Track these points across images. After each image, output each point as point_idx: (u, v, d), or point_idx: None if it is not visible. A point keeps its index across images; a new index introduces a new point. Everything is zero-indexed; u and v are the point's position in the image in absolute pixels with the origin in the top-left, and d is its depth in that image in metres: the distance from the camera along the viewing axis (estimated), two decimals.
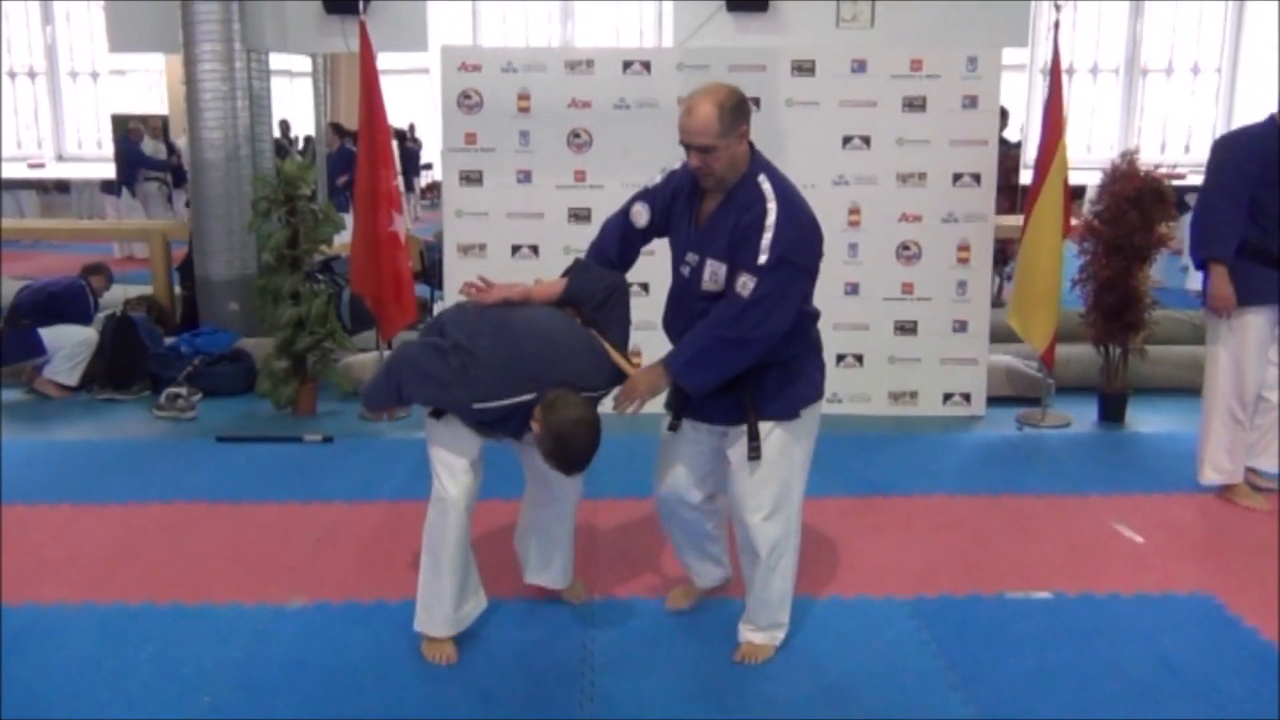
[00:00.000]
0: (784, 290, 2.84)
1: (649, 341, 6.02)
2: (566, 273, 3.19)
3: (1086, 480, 4.86)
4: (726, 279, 2.89)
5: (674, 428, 3.13)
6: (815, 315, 3.11)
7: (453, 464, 3.11)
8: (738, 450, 3.02)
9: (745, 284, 2.83)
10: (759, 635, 3.22)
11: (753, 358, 2.89)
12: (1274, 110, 4.31)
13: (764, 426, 2.99)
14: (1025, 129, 8.95)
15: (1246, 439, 4.49)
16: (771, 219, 2.82)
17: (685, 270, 3.01)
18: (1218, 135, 7.75)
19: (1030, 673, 3.16)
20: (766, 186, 2.88)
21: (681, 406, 3.09)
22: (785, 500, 3.07)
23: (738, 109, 2.84)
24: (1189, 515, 4.44)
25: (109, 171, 9.69)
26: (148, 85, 12.41)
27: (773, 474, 3.03)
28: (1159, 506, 4.53)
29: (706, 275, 2.93)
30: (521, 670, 3.17)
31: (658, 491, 3.29)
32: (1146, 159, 6.00)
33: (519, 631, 3.40)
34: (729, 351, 2.88)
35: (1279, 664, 3.18)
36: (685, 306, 3.04)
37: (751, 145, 2.96)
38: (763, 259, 2.80)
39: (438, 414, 3.13)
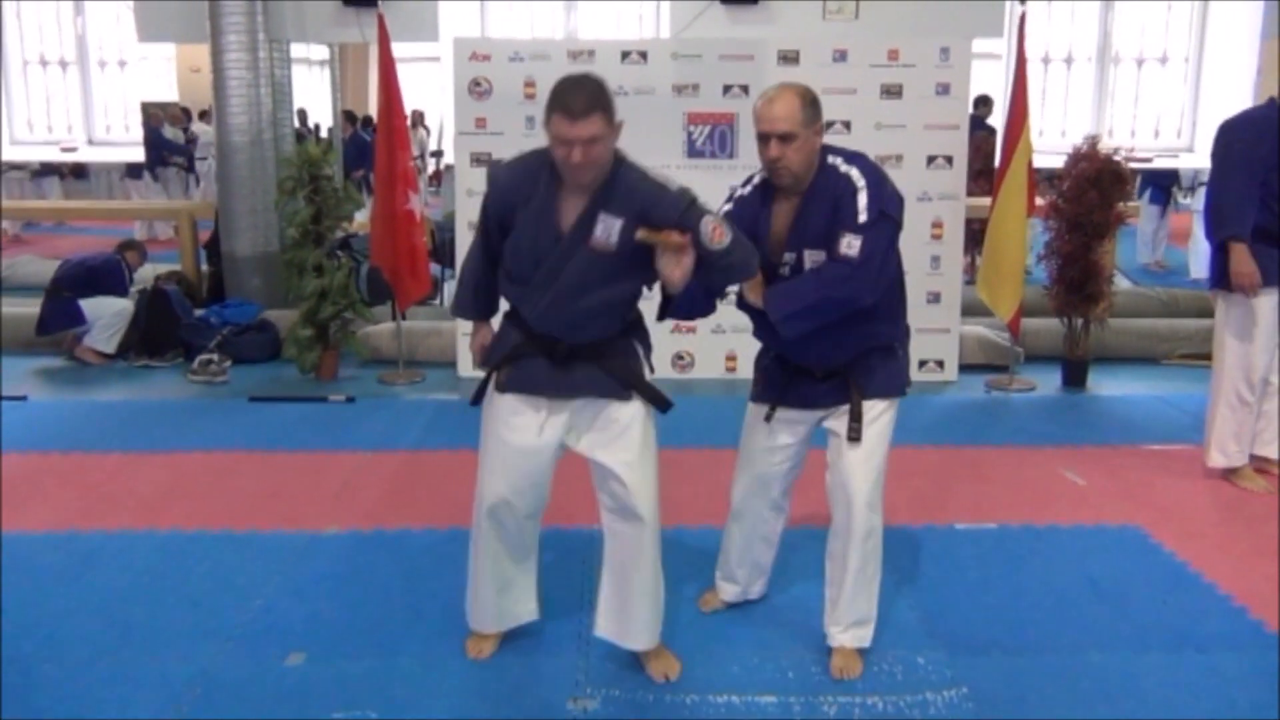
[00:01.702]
0: (886, 244, 2.85)
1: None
2: None
3: (1042, 435, 5.34)
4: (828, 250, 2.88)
5: (769, 418, 3.09)
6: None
7: (490, 459, 2.98)
8: (845, 428, 2.99)
9: (850, 244, 2.79)
10: (849, 636, 3.11)
11: (850, 311, 2.87)
12: (1247, 96, 4.53)
13: (868, 406, 2.99)
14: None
15: (1254, 424, 4.53)
16: (861, 183, 2.82)
17: (785, 270, 2.93)
18: (1185, 121, 8.27)
19: (970, 585, 3.65)
20: (841, 164, 2.88)
21: (779, 397, 3.07)
22: (881, 482, 3.08)
23: (815, 104, 2.85)
24: (1131, 463, 4.91)
25: (136, 155, 10.18)
26: (156, 73, 12.89)
27: (878, 453, 3.03)
28: (1104, 456, 5.00)
29: (808, 266, 2.90)
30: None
31: (740, 483, 3.24)
32: (1118, 144, 6.46)
33: None
34: (835, 309, 2.84)
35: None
36: None
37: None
38: (863, 218, 2.80)
39: (478, 399, 3.02)
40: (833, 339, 2.94)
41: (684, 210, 2.72)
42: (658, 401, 2.93)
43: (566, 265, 2.77)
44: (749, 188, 3.04)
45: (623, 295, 2.86)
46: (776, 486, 3.22)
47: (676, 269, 2.67)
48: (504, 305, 3.07)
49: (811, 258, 2.88)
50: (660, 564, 3.02)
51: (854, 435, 2.97)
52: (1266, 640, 3.26)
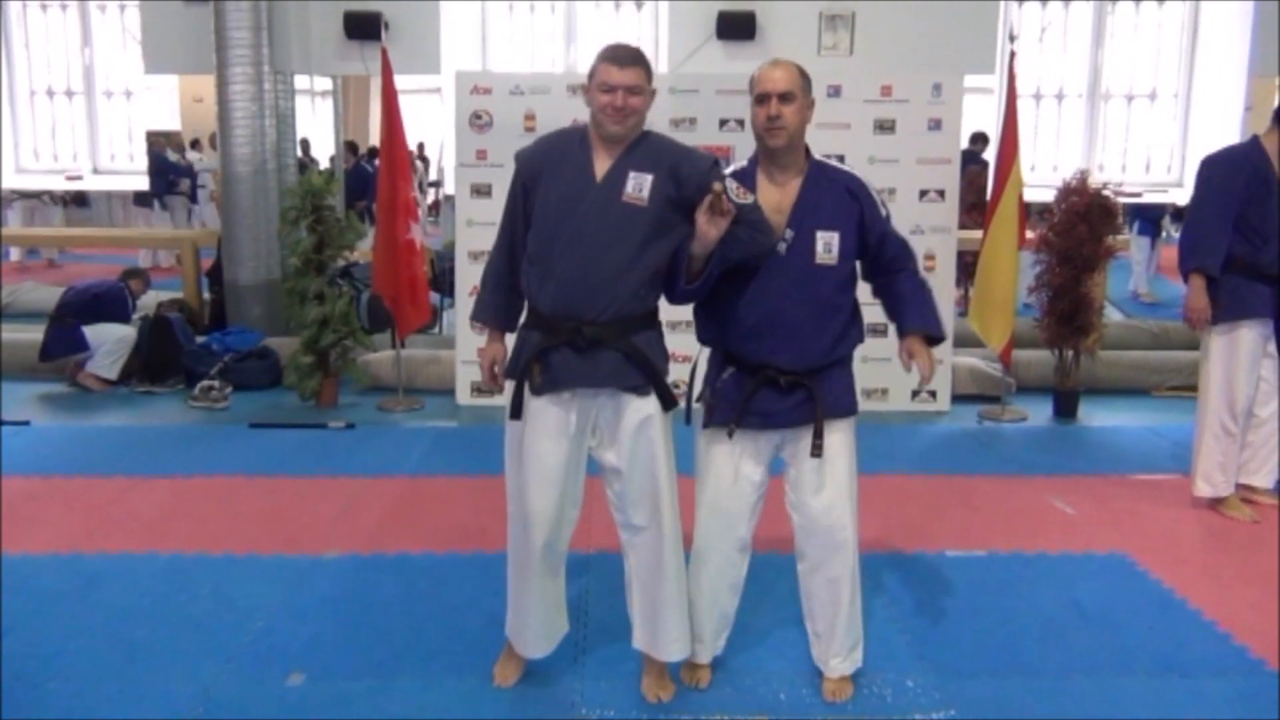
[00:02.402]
0: None
1: None
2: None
3: (1033, 464, 5.42)
4: (858, 248, 2.97)
5: (731, 433, 3.00)
6: None
7: (524, 480, 2.98)
8: (812, 455, 2.96)
9: (899, 238, 3.03)
10: (847, 664, 3.14)
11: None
12: (1235, 131, 4.65)
13: (834, 426, 2.98)
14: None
15: (1239, 454, 4.59)
16: (864, 178, 3.01)
17: (782, 247, 2.92)
18: (1175, 156, 8.40)
19: (959, 611, 3.71)
20: (833, 162, 3.04)
21: (738, 417, 2.98)
22: (857, 511, 3.09)
23: (810, 80, 2.97)
24: (1119, 493, 4.98)
25: (141, 184, 10.30)
26: (160, 103, 13.06)
27: (854, 483, 3.04)
28: (1093, 485, 5.08)
29: (820, 247, 2.91)
30: None
31: (704, 525, 3.10)
32: (1108, 179, 6.59)
33: None
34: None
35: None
36: (778, 282, 2.93)
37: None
38: (883, 211, 2.99)
39: (516, 412, 2.98)
40: (805, 334, 2.93)
41: (710, 167, 2.85)
42: (667, 398, 2.95)
43: (599, 218, 2.85)
44: (735, 171, 3.03)
45: (649, 261, 2.87)
46: (744, 525, 3.09)
47: (713, 227, 2.75)
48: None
49: (823, 238, 2.92)
50: (684, 572, 3.05)
51: (816, 451, 2.94)
52: (1250, 665, 3.32)
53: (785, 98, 2.89)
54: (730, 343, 3.03)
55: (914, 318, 3.02)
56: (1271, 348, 4.50)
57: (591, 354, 2.87)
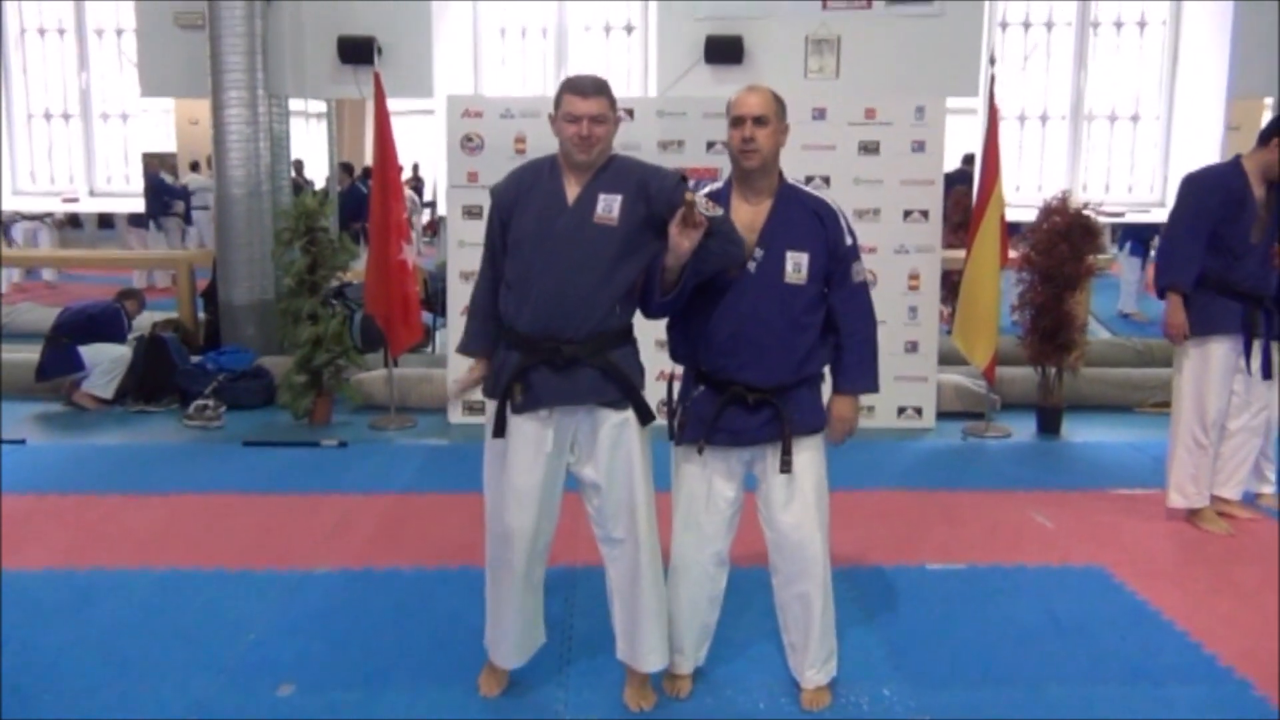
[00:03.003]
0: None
1: None
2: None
3: (1015, 479, 5.50)
4: (826, 271, 3.03)
5: (701, 450, 3.08)
6: None
7: (503, 495, 3.07)
8: (782, 470, 3.04)
9: (859, 270, 3.07)
10: (823, 675, 3.21)
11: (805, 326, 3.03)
12: (1215, 151, 4.75)
13: (802, 443, 3.06)
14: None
15: (1212, 467, 4.70)
16: (836, 207, 3.08)
17: (752, 266, 3.00)
18: (1157, 176, 8.52)
19: (937, 622, 3.78)
20: (805, 188, 3.13)
21: (708, 434, 3.05)
22: (828, 524, 3.16)
23: (784, 106, 3.08)
24: (1099, 507, 5.06)
25: (136, 205, 10.41)
26: (155, 125, 13.17)
27: (825, 497, 3.12)
28: (1073, 500, 5.16)
29: (789, 267, 2.99)
30: None
31: (681, 540, 3.16)
32: (1088, 199, 6.70)
33: None
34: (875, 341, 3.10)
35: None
36: (748, 300, 3.01)
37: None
38: (849, 241, 3.04)
39: (499, 430, 3.05)
40: (773, 353, 3.01)
41: (676, 183, 2.97)
42: (644, 412, 3.03)
43: (572, 241, 2.95)
44: (710, 191, 3.11)
45: (621, 278, 2.97)
46: (720, 540, 3.17)
47: (685, 239, 2.84)
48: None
49: (793, 258, 3.00)
50: (663, 583, 3.13)
51: (785, 468, 3.02)
52: (1219, 674, 3.40)
53: (759, 121, 3.00)
54: (700, 360, 3.11)
55: (844, 380, 3.15)
56: (1242, 363, 4.60)
57: (570, 372, 2.96)
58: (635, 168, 3.05)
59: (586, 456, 3.05)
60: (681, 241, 2.86)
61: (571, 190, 3.01)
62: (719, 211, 2.94)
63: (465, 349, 3.25)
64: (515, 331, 3.03)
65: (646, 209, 2.97)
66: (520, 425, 3.02)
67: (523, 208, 3.03)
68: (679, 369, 3.22)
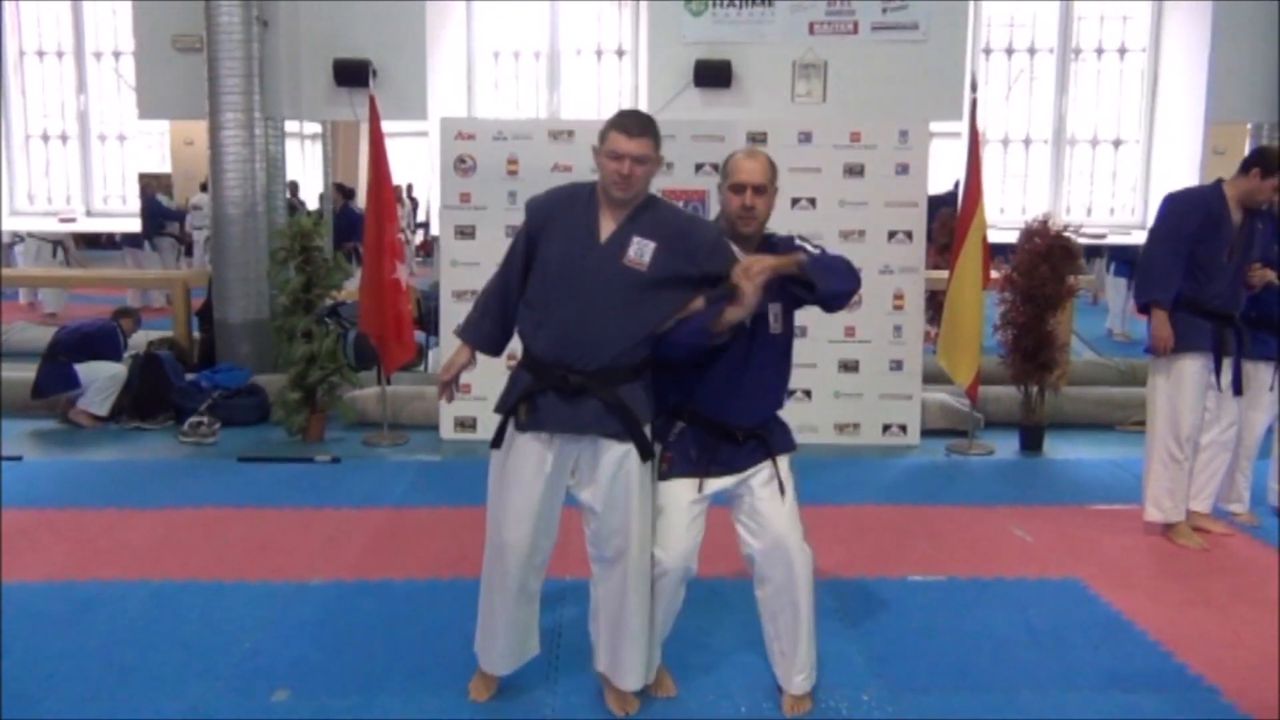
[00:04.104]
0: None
1: None
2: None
3: (996, 495, 5.62)
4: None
5: (701, 488, 3.21)
6: None
7: (504, 507, 3.16)
8: (769, 486, 3.23)
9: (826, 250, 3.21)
10: (807, 680, 3.31)
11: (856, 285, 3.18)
12: (1195, 174, 4.86)
13: (782, 460, 3.29)
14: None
15: (1187, 481, 4.85)
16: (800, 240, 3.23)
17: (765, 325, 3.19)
18: (1138, 199, 8.69)
19: (916, 631, 3.89)
20: (779, 233, 3.31)
21: (704, 469, 3.20)
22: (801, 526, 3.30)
23: (776, 171, 3.24)
24: (1078, 521, 5.18)
25: (132, 225, 10.52)
26: (151, 146, 13.30)
27: (797, 507, 3.29)
28: (1053, 515, 5.27)
29: (771, 318, 3.18)
30: None
31: (667, 564, 3.21)
32: (1069, 221, 6.85)
33: None
34: (853, 278, 3.15)
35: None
36: (742, 349, 3.16)
37: None
38: (815, 250, 3.16)
39: (496, 441, 3.19)
40: (760, 396, 3.24)
41: (715, 239, 3.08)
42: (645, 448, 3.09)
43: (598, 277, 3.02)
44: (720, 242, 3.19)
45: (641, 322, 3.04)
46: (695, 559, 3.27)
47: (753, 294, 2.93)
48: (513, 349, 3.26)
49: (774, 309, 3.17)
50: (648, 607, 3.19)
51: (781, 489, 3.23)
52: (1188, 681, 3.51)
53: (759, 190, 3.15)
54: (697, 404, 3.22)
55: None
56: (1213, 379, 4.72)
57: (576, 400, 3.05)
58: (672, 218, 3.11)
59: (586, 481, 3.13)
60: (749, 298, 2.94)
61: (606, 226, 3.07)
62: (803, 257, 3.04)
63: (460, 333, 3.34)
64: (530, 352, 3.12)
65: (690, 266, 3.04)
66: (524, 443, 3.12)
67: (553, 232, 3.10)
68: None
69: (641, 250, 3.03)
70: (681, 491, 3.20)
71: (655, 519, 3.20)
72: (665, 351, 3.14)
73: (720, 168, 3.26)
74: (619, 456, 3.08)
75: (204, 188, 14.08)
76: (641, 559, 3.14)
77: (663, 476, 3.22)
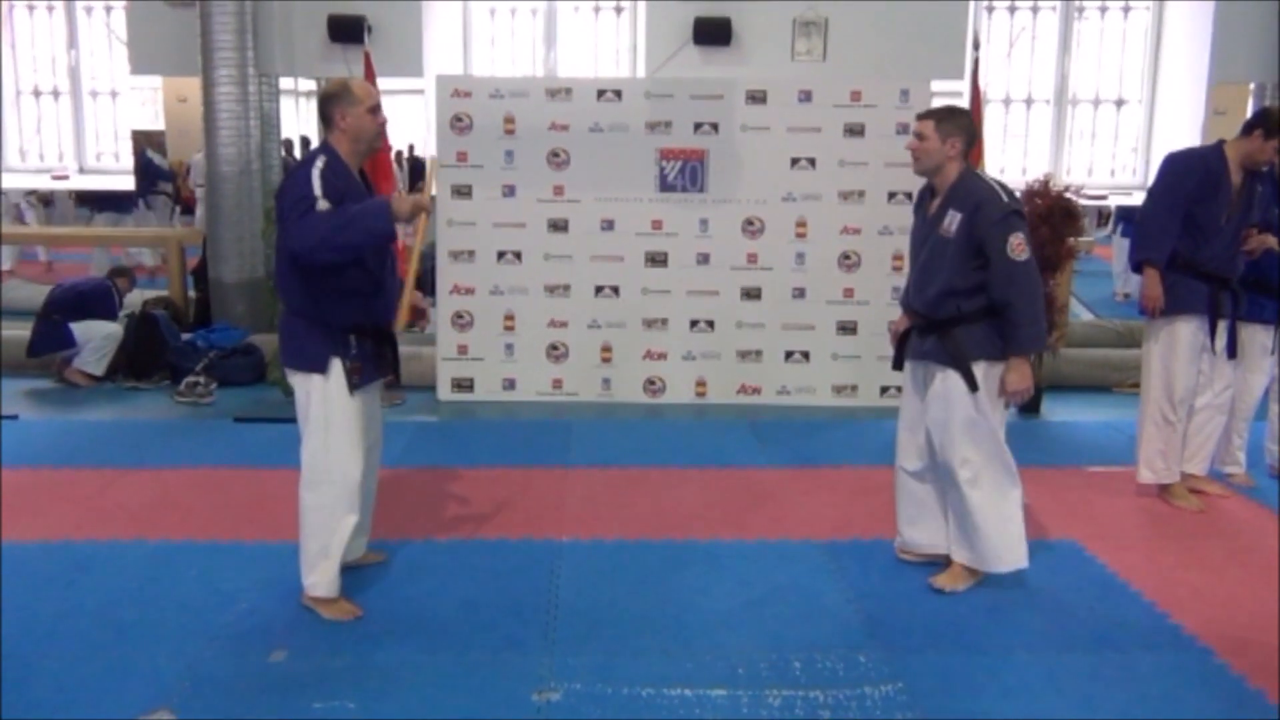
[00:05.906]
0: None
1: (619, 338, 6.71)
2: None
3: None
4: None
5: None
6: None
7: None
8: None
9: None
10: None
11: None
12: (1196, 135, 4.82)
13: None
14: None
15: (1180, 443, 4.88)
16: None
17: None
18: (1140, 160, 8.62)
19: (913, 593, 3.89)
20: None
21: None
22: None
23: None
24: (1074, 483, 5.18)
25: (126, 183, 10.44)
26: (144, 102, 13.18)
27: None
28: (1050, 477, 5.27)
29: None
30: (499, 581, 3.88)
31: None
32: (1070, 182, 6.80)
33: (496, 561, 4.10)
34: None
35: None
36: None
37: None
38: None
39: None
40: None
41: (1003, 216, 3.69)
42: (970, 380, 3.84)
43: (925, 246, 3.83)
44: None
45: (953, 283, 3.74)
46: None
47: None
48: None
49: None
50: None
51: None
52: (1183, 641, 3.52)
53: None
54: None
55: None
56: (1208, 342, 4.71)
57: (922, 336, 3.90)
58: (975, 191, 3.74)
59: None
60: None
61: (935, 205, 3.86)
62: (1022, 256, 3.79)
63: None
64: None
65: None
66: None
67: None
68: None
69: (951, 221, 3.73)
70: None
71: None
72: None
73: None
74: (944, 379, 3.89)
75: None
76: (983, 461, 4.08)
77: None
